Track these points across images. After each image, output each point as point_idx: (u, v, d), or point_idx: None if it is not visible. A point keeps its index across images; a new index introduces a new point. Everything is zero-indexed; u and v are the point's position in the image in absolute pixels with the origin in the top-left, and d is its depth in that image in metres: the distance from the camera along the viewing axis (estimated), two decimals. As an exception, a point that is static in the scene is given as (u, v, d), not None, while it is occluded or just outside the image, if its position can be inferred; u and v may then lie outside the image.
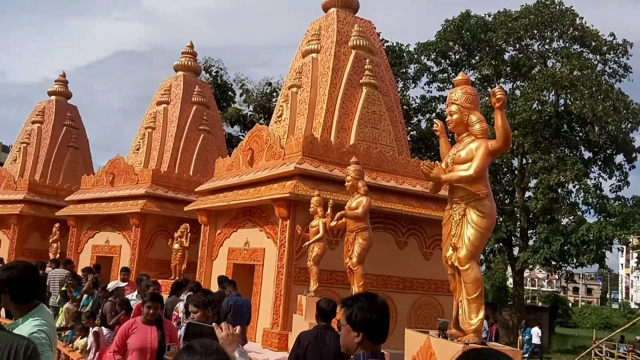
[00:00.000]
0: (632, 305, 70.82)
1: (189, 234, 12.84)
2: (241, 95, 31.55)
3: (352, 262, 7.06)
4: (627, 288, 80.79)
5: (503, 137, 4.41)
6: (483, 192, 4.48)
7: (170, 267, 13.14)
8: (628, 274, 79.03)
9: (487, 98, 24.40)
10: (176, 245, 12.85)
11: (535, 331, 23.57)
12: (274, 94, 29.55)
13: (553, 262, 25.31)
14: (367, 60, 12.60)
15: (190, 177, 16.29)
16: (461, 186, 4.54)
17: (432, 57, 27.90)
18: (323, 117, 11.86)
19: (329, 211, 8.97)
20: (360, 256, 7.05)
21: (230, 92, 31.85)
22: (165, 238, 14.65)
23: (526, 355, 23.09)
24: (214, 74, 31.53)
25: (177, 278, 11.97)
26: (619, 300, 77.08)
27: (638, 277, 76.50)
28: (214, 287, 9.75)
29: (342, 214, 7.27)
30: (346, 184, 7.52)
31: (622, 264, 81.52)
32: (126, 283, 10.14)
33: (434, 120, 5.38)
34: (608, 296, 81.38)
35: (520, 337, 23.86)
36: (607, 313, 61.09)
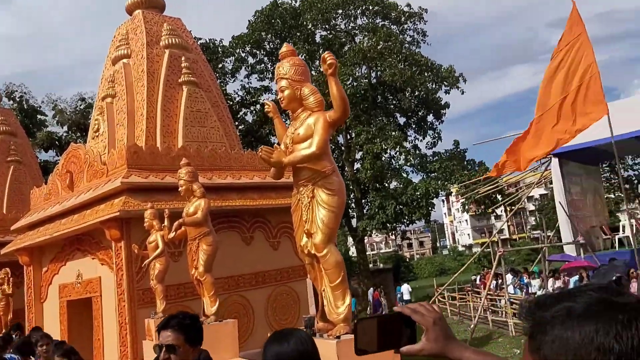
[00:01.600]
0: (460, 248, 79.13)
1: (10, 279, 11.40)
2: (54, 116, 28.76)
3: (199, 272, 6.72)
4: (452, 234, 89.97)
5: (341, 105, 4.15)
6: (329, 169, 4.26)
7: (-5, 320, 11.61)
8: (451, 221, 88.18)
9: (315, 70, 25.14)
10: (-2, 295, 11.37)
11: (406, 287, 25.25)
12: (89, 110, 27.34)
13: (389, 225, 27.08)
14: (183, 58, 12.12)
15: (5, 216, 14.43)
16: (305, 166, 4.27)
17: (247, 49, 27.87)
18: (145, 124, 11.19)
19: (166, 222, 8.52)
20: (207, 264, 6.74)
21: (40, 116, 28.86)
22: (-15, 290, 12.78)
23: None
24: (17, 99, 28.34)
25: (3, 331, 10.57)
26: (448, 246, 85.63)
27: (460, 222, 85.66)
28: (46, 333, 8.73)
29: (181, 222, 6.85)
30: (180, 189, 7.09)
31: (444, 213, 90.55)
32: None
33: (264, 101, 5.12)
34: (438, 245, 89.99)
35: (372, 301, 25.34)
36: (440, 260, 67.44)
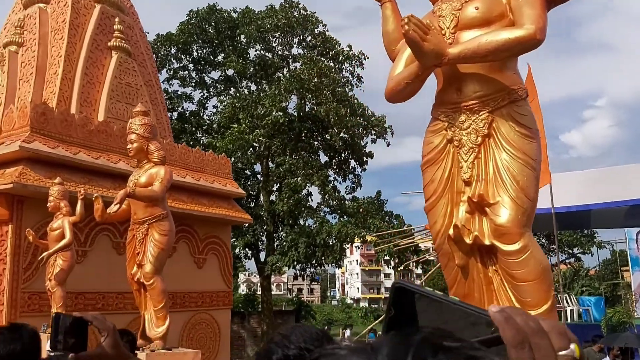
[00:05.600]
0: (348, 300, 78.55)
1: None
2: None
3: (146, 272, 4.52)
4: (343, 285, 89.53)
5: None
6: (522, 89, 2.54)
7: None
8: (343, 273, 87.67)
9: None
10: None
11: None
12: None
13: (299, 265, 25.31)
14: (117, 20, 9.88)
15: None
16: (485, 76, 2.45)
17: (173, 51, 25.43)
18: (59, 86, 8.75)
19: (79, 207, 6.24)
20: (159, 261, 4.59)
21: None
22: None
23: None
24: None
25: None
26: (337, 297, 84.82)
27: (352, 275, 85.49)
28: None
29: (129, 193, 4.56)
30: (130, 146, 4.91)
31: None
32: None
33: None
34: (328, 294, 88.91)
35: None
36: (328, 309, 66.35)
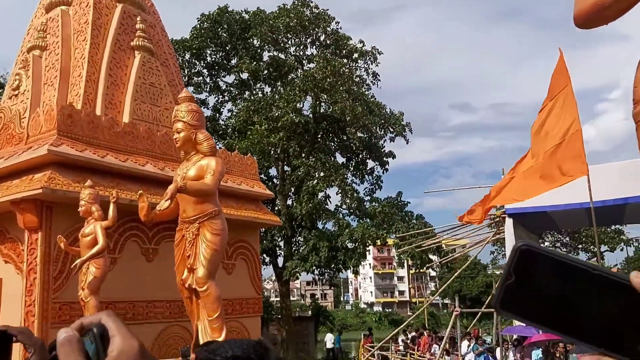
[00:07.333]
0: (362, 305, 77.91)
1: None
2: None
3: (198, 277, 4.18)
4: (356, 290, 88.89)
5: None
6: None
7: None
8: (356, 277, 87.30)
9: None
10: None
11: (329, 337, 23.56)
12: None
13: (318, 270, 24.90)
14: (139, 19, 9.63)
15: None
16: None
17: (187, 57, 25.16)
18: (83, 88, 8.47)
19: (111, 210, 5.94)
20: (212, 264, 4.25)
21: None
22: None
23: None
24: None
25: None
26: (351, 302, 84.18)
27: (365, 279, 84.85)
28: None
29: (180, 187, 4.10)
30: (176, 136, 4.54)
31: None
32: None
33: None
34: (342, 299, 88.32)
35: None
36: (342, 314, 65.96)
